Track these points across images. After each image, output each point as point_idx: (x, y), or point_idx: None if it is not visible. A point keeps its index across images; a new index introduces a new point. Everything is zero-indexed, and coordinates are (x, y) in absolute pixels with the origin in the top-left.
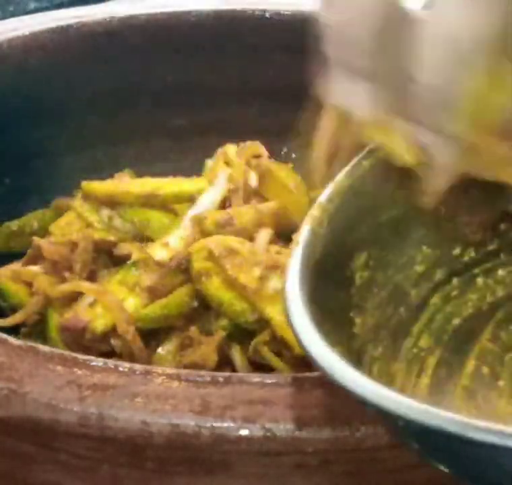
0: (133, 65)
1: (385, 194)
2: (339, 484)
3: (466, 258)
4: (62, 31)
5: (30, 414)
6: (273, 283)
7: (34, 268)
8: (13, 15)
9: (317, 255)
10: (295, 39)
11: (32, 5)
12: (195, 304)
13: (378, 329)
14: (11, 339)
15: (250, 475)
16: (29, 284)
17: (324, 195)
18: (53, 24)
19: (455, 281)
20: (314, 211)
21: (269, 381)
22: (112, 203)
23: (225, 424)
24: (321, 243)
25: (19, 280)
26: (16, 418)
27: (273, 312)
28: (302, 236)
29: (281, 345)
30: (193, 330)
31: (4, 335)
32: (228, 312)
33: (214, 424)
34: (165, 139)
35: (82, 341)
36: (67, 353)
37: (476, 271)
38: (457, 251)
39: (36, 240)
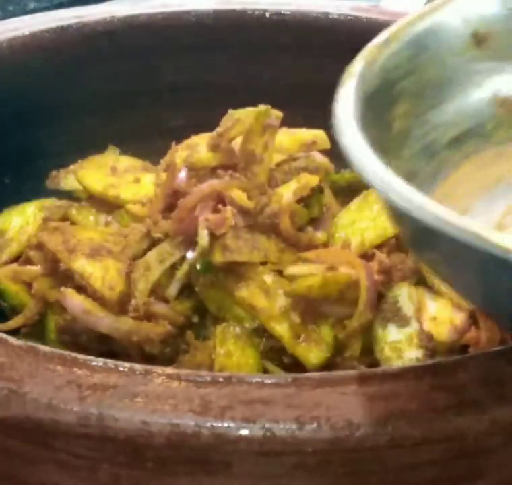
0: (133, 65)
1: (439, 55)
2: (339, 484)
3: (499, 133)
4: (63, 31)
5: (30, 414)
6: (280, 302)
7: (34, 268)
8: (13, 15)
9: (367, 89)
10: (295, 39)
11: (32, 5)
12: (196, 319)
13: (410, 176)
14: (11, 339)
15: (250, 475)
16: (29, 284)
17: (380, 38)
18: (53, 24)
19: (485, 152)
20: (370, 50)
21: (269, 381)
22: (109, 205)
23: (225, 424)
24: (371, 79)
25: (19, 280)
26: (16, 418)
27: (282, 330)
28: (356, 68)
29: (281, 354)
30: (189, 334)
31: (4, 335)
32: (228, 317)
33: (214, 424)
34: (165, 139)
35: (80, 342)
36: (66, 353)
37: (510, 147)
38: (490, 126)
39: (36, 238)
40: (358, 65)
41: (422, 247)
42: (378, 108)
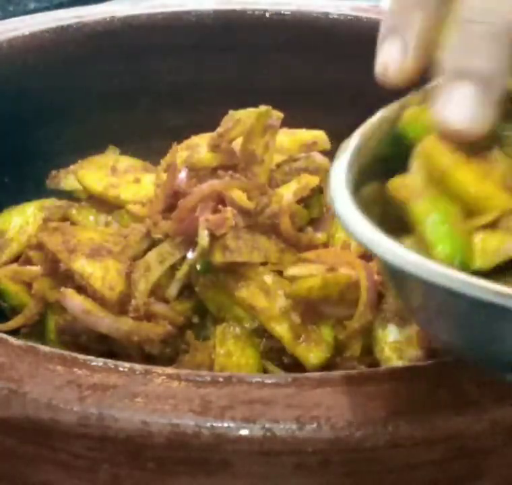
0: (133, 65)
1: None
2: (339, 484)
3: None
4: (63, 31)
5: (30, 414)
6: (281, 303)
7: (34, 268)
8: (13, 15)
9: (365, 160)
10: (295, 39)
11: (32, 5)
12: (196, 319)
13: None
14: (11, 340)
15: (250, 475)
16: (29, 284)
17: (375, 116)
18: (53, 24)
19: None
20: (365, 127)
21: (269, 381)
22: (109, 205)
23: (225, 424)
24: (368, 152)
25: (19, 280)
26: (16, 418)
27: (282, 331)
28: (351, 143)
29: (281, 354)
30: (189, 334)
31: (4, 335)
32: (228, 317)
33: (214, 424)
34: (165, 139)
35: (80, 342)
36: (66, 353)
37: None
38: None
39: (36, 238)
40: (353, 141)
41: (408, 297)
42: (381, 177)
